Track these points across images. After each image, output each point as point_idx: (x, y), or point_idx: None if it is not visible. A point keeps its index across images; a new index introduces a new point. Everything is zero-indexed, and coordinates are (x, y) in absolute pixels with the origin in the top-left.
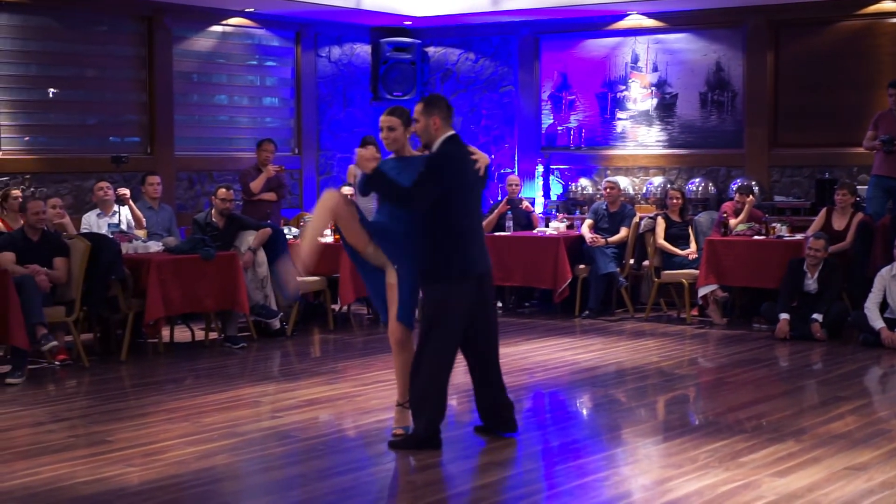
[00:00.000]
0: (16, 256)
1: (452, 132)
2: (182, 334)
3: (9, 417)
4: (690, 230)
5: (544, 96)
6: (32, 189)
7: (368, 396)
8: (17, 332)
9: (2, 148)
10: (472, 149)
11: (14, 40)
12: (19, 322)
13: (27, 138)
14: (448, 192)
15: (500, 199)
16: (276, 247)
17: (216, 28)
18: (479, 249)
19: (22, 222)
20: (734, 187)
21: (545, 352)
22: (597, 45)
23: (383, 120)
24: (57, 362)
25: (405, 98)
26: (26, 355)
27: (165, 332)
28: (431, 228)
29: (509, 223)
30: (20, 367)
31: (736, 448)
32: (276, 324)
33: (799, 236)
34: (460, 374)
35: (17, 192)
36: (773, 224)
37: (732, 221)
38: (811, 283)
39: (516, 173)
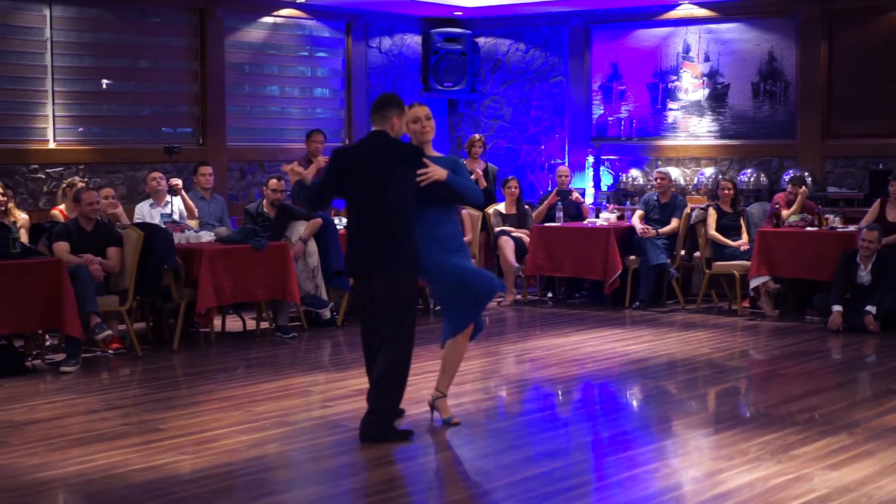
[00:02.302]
0: (70, 246)
1: (375, 128)
2: (233, 324)
3: (63, 405)
4: (742, 221)
5: (595, 87)
6: (86, 179)
7: (418, 387)
8: (72, 322)
9: (56, 139)
10: (426, 161)
11: (69, 32)
12: (74, 311)
13: (81, 129)
14: (341, 189)
15: (550, 190)
16: (327, 237)
17: (267, 19)
18: (362, 250)
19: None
20: (786, 178)
21: (595, 343)
22: (648, 35)
23: (419, 109)
24: (110, 351)
25: (455, 89)
26: (80, 344)
27: (217, 322)
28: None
29: (559, 214)
30: (75, 356)
31: (788, 441)
32: (327, 314)
33: (852, 228)
34: (510, 364)
35: (71, 181)
36: (826, 215)
37: (785, 212)
38: (864, 275)
39: (566, 164)
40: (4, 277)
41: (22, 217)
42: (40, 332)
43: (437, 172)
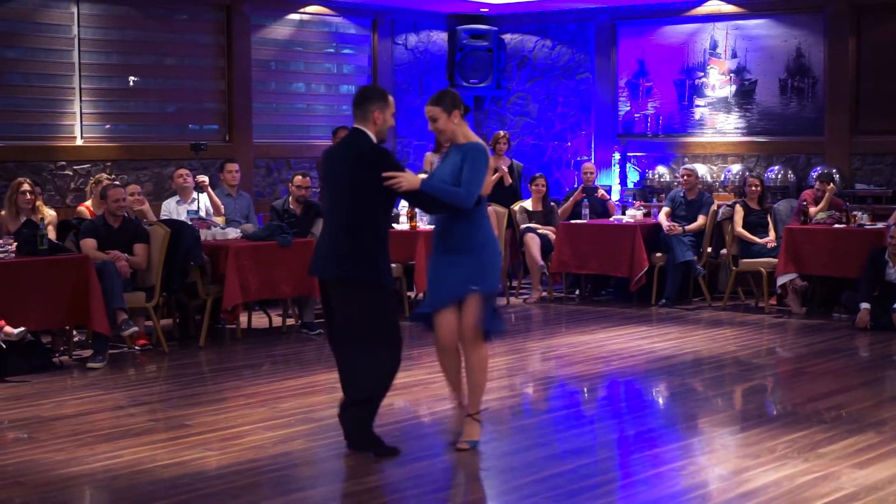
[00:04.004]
0: (97, 243)
1: (355, 125)
2: (260, 320)
3: (90, 401)
4: (769, 218)
5: (621, 83)
6: (113, 176)
7: (444, 384)
8: (99, 318)
9: (84, 136)
10: (389, 174)
11: (96, 29)
12: (100, 307)
13: (108, 126)
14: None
15: (575, 186)
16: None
17: (294, 16)
18: (321, 255)
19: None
20: (814, 175)
21: (621, 340)
22: (675, 32)
23: (426, 111)
24: (137, 347)
25: (481, 85)
26: (107, 340)
27: (243, 318)
28: None
29: (585, 211)
30: (102, 352)
31: (815, 439)
32: None
33: (880, 225)
34: (536, 361)
35: (98, 178)
36: (854, 212)
37: (812, 209)
38: (893, 273)
39: (592, 161)
40: (32, 274)
41: (50, 214)
42: (67, 328)
43: (407, 181)
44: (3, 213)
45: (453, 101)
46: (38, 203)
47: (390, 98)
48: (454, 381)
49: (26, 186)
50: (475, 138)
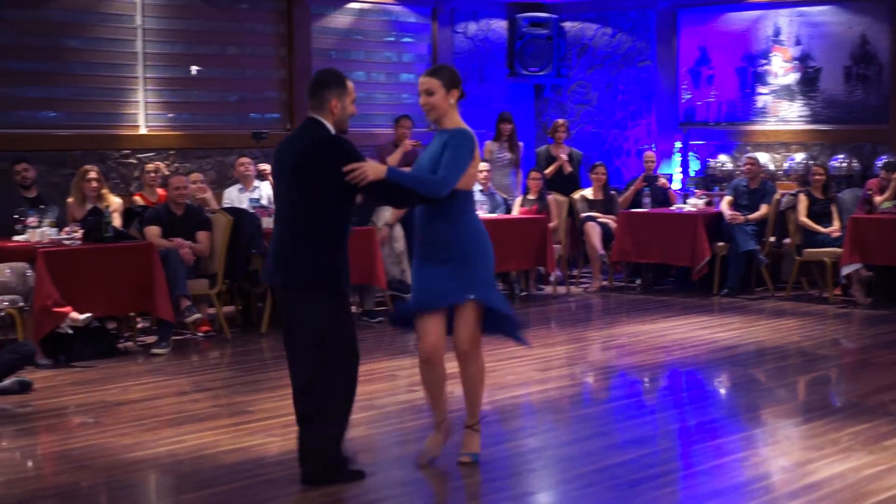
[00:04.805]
0: (161, 230)
1: (309, 115)
2: None
3: (155, 387)
4: (833, 207)
5: (683, 71)
6: (174, 165)
7: (504, 372)
8: (163, 305)
9: (147, 124)
10: (351, 166)
11: (160, 19)
12: (164, 294)
13: (171, 115)
14: None
15: (636, 175)
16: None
17: (354, 5)
18: (271, 258)
19: (160, 196)
20: (879, 164)
21: (682, 330)
22: (737, 19)
23: (420, 82)
24: (200, 334)
25: (541, 74)
26: (171, 327)
27: None
28: None
29: (646, 200)
30: (166, 338)
31: (880, 431)
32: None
33: None
34: (597, 350)
35: (151, 167)
36: None
37: (877, 199)
38: None
39: (653, 149)
40: (98, 261)
41: (115, 201)
42: (132, 314)
43: (371, 170)
44: (70, 200)
45: (452, 78)
46: (104, 190)
47: (350, 83)
48: (437, 397)
49: (92, 174)
50: (463, 125)
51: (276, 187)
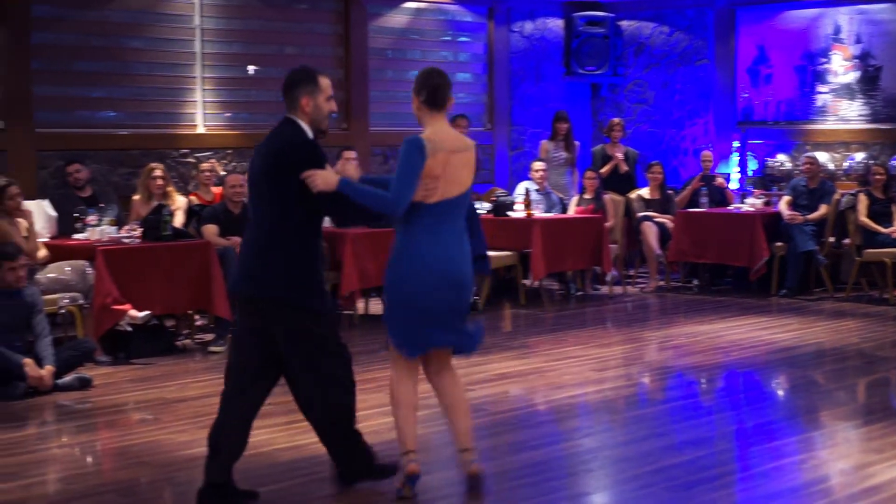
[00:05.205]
0: (218, 229)
1: (284, 116)
2: (376, 306)
3: (212, 384)
4: (894, 207)
5: (741, 70)
6: (234, 164)
7: (560, 372)
8: (220, 302)
9: (205, 124)
10: (307, 173)
11: (218, 19)
12: (222, 292)
13: (228, 114)
14: None
15: (693, 175)
16: (469, 221)
17: (410, 4)
18: (237, 266)
19: (215, 195)
20: None
21: (740, 331)
22: (796, 17)
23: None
24: None
25: (598, 73)
26: (229, 325)
27: (360, 304)
28: None
29: (704, 199)
30: (223, 336)
31: None
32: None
33: None
34: (653, 350)
35: (206, 165)
36: None
37: None
38: None
39: (711, 149)
40: (156, 259)
41: (180, 200)
42: (190, 312)
43: (322, 179)
44: (136, 197)
45: (418, 81)
46: (170, 188)
47: (323, 80)
48: (413, 423)
49: (158, 172)
50: (422, 132)
51: (248, 190)
